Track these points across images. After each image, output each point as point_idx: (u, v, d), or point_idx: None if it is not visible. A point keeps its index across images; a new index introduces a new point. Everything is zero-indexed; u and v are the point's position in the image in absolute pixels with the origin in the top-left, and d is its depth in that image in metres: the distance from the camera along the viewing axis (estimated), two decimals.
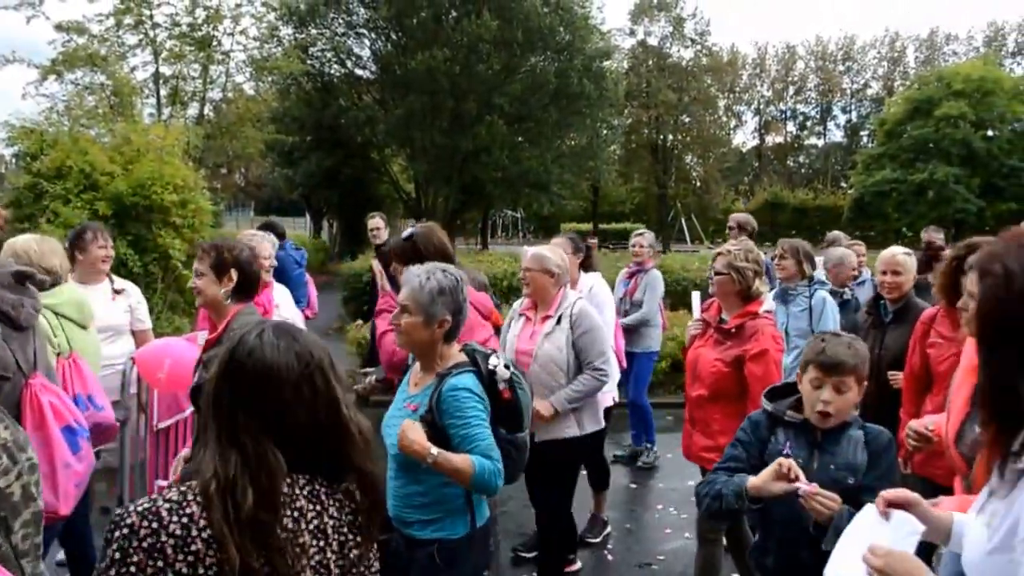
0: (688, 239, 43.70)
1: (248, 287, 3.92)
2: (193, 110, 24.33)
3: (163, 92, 23.26)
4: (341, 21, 31.70)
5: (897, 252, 5.52)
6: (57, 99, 21.53)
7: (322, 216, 39.52)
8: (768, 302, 4.70)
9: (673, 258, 18.91)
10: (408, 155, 32.16)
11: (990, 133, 36.68)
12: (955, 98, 35.91)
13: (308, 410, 1.89)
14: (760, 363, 4.37)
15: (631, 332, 7.88)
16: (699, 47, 46.20)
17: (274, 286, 5.94)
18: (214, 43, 23.49)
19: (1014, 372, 1.65)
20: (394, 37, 31.48)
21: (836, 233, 9.82)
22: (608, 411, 5.86)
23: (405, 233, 4.77)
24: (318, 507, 1.92)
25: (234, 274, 3.85)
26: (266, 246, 5.75)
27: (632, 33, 45.48)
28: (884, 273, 5.46)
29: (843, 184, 50.21)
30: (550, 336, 5.01)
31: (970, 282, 2.56)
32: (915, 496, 2.12)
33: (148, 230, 10.92)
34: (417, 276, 3.35)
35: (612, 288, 7.70)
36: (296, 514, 1.88)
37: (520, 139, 31.25)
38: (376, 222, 10.09)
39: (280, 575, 1.80)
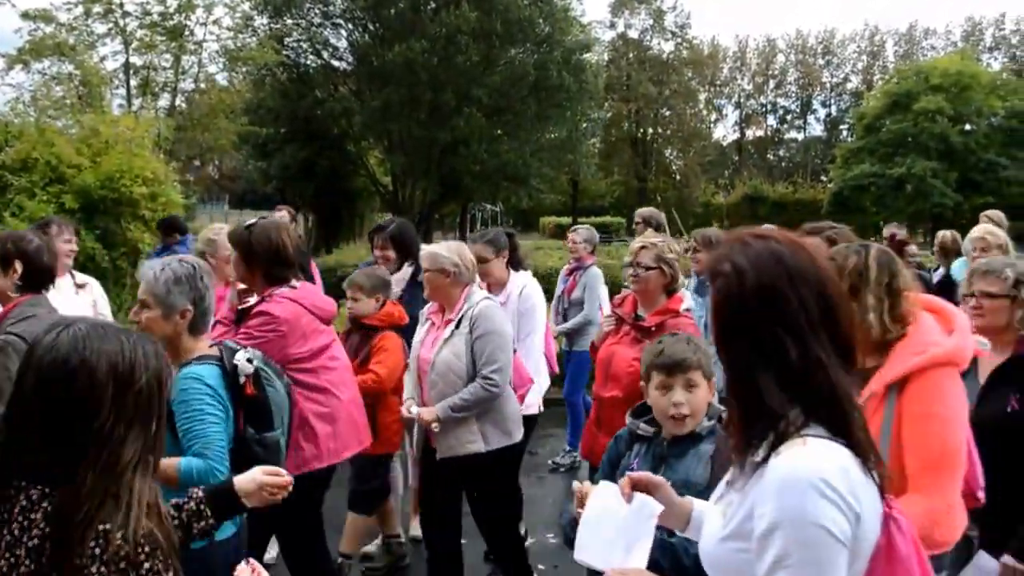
0: (668, 233, 43.36)
1: (36, 278, 3.97)
2: (164, 101, 23.97)
3: (133, 83, 22.89)
4: (317, 11, 31.29)
5: None
6: (24, 89, 21.08)
7: (297, 210, 38.32)
8: (687, 300, 4.42)
9: None
10: (385, 147, 31.80)
11: (967, 127, 36.91)
12: (933, 92, 36.08)
13: (40, 414, 1.80)
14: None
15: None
16: (679, 40, 46.20)
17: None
18: (186, 32, 23.11)
19: (750, 366, 1.71)
20: (371, 28, 31.11)
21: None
22: (532, 419, 5.42)
23: (249, 222, 4.36)
24: (23, 523, 1.78)
25: (19, 266, 3.89)
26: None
27: (612, 26, 45.57)
28: None
29: (823, 178, 50.27)
30: (449, 341, 4.57)
31: None
32: (660, 479, 2.17)
33: (117, 224, 10.77)
34: (152, 268, 3.24)
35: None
36: None
37: (499, 132, 30.90)
38: (282, 215, 9.16)
39: None
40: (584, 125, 34.05)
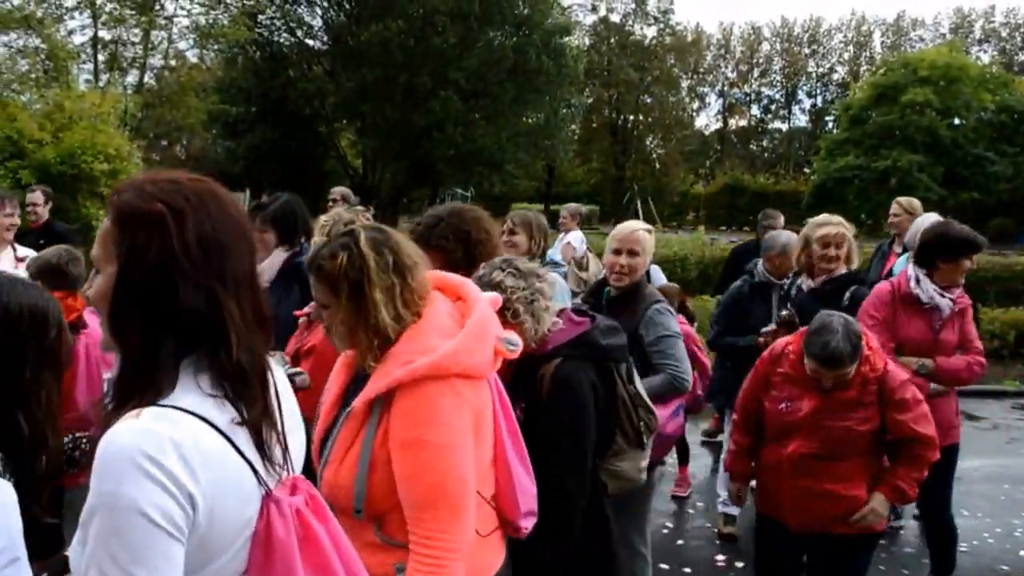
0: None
1: None
2: (133, 77, 23.68)
3: (101, 57, 22.57)
4: None
5: (637, 227, 4.37)
6: None
7: (261, 191, 37.98)
8: None
9: None
10: (357, 130, 31.58)
11: (955, 121, 36.53)
12: (921, 84, 35.69)
13: None
14: (307, 362, 3.79)
15: None
16: (662, 25, 45.99)
17: None
18: (156, 7, 22.68)
19: (137, 323, 1.46)
20: (347, 6, 30.84)
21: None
22: None
23: None
24: None
25: None
26: None
27: (594, 9, 45.18)
28: (618, 252, 4.22)
29: (806, 170, 50.04)
30: None
31: None
32: None
33: (72, 200, 10.75)
34: None
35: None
36: None
37: (476, 116, 30.54)
38: (35, 196, 7.54)
39: None
40: (563, 111, 33.65)
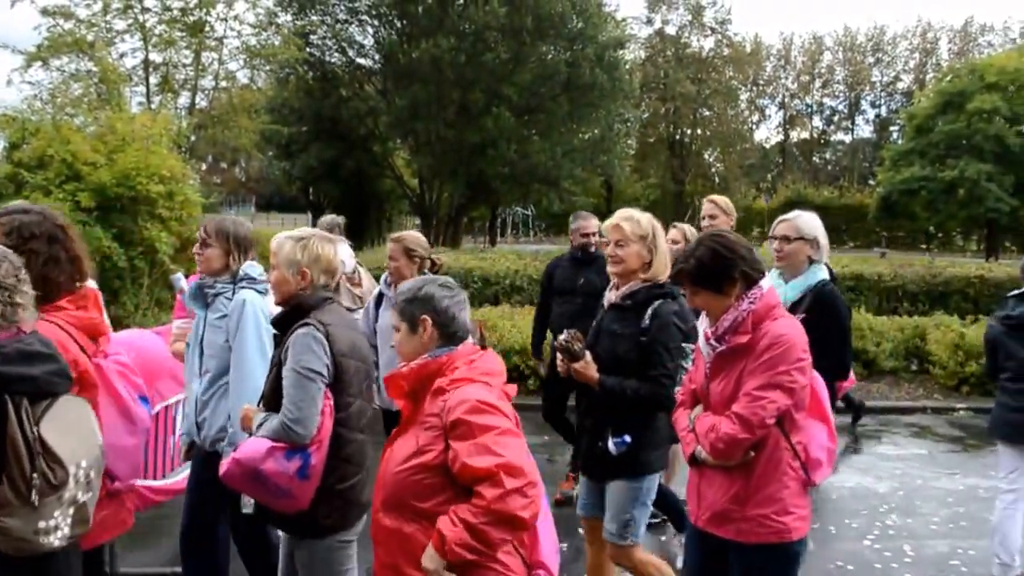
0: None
1: None
2: (185, 99, 23.71)
3: (153, 80, 22.60)
4: (343, 7, 31.11)
5: (280, 236, 3.45)
6: (42, 87, 21.07)
7: (322, 212, 38.26)
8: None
9: None
10: (411, 148, 31.57)
11: None
12: (989, 91, 34.74)
13: None
14: None
15: None
16: (719, 37, 45.59)
17: None
18: (206, 28, 22.71)
19: None
20: (398, 25, 30.91)
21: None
22: None
23: None
24: None
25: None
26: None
27: (649, 22, 44.99)
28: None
29: (871, 182, 48.83)
30: None
31: None
32: None
33: (134, 223, 10.83)
34: None
35: None
36: None
37: (530, 132, 30.44)
38: None
39: None
40: (618, 125, 33.37)
